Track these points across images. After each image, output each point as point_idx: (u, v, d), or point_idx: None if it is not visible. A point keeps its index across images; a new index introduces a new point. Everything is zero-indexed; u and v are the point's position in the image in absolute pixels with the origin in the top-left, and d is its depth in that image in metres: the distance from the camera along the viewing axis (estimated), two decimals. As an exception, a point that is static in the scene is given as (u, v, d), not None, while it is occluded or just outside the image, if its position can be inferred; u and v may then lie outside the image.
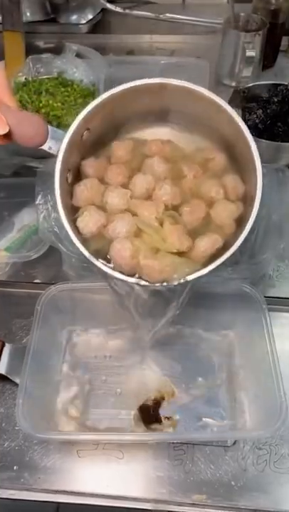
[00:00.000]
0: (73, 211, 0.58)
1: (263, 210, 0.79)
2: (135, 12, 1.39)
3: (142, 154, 0.61)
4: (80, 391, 0.67)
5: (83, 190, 0.58)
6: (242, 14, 1.15)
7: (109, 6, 1.38)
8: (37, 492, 0.59)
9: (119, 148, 0.61)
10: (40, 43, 1.31)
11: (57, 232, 0.74)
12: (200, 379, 0.69)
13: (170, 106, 0.60)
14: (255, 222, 0.78)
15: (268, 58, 1.21)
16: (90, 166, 0.60)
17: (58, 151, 0.56)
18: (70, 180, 0.59)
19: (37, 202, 0.75)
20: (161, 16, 1.37)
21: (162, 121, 0.62)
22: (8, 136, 0.55)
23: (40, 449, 0.62)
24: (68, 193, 0.58)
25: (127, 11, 1.39)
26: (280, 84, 0.99)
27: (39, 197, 0.75)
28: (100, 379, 0.69)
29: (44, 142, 0.59)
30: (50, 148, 0.60)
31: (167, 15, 1.36)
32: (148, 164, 0.60)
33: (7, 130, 0.54)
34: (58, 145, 0.57)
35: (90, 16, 1.36)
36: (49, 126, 0.60)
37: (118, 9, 1.38)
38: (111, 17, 1.41)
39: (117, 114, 0.60)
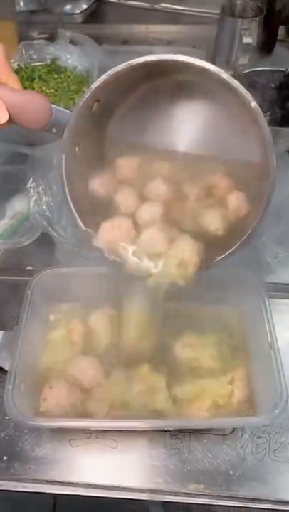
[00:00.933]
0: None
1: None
2: (130, 2, 1.37)
3: (147, 173, 0.60)
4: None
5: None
6: (238, 1, 1.13)
7: (103, -5, 1.37)
8: (27, 482, 0.57)
9: (124, 167, 0.60)
10: (34, 33, 1.29)
11: (48, 216, 0.73)
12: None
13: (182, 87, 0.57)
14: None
15: (265, 47, 1.20)
16: (98, 184, 0.59)
17: (63, 132, 0.53)
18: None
19: (28, 186, 0.73)
20: (156, 6, 1.35)
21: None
22: (9, 120, 0.50)
23: (31, 438, 0.60)
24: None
25: (122, 0, 1.37)
26: (277, 71, 0.98)
27: (30, 181, 0.74)
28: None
29: (48, 124, 0.53)
30: (54, 130, 0.54)
31: (162, 5, 1.35)
32: (152, 186, 0.59)
33: (7, 118, 0.49)
34: (63, 126, 0.53)
35: (85, 6, 1.34)
36: (53, 106, 0.53)
37: (113, -1, 1.37)
38: (106, 7, 1.39)
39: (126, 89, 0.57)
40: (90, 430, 0.60)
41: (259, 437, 0.59)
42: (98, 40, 1.20)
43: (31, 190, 0.73)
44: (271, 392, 0.54)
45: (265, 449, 0.59)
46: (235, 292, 0.66)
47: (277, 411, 0.52)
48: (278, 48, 1.24)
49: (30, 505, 0.81)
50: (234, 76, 0.97)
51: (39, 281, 0.64)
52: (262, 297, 0.63)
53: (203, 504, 0.55)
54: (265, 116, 0.64)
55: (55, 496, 0.62)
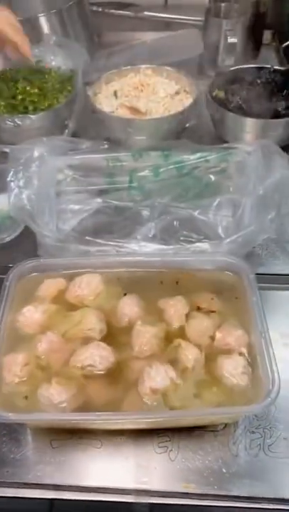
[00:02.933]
0: None
1: (250, 185, 0.76)
2: (116, 11, 1.38)
3: None
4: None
5: None
6: (223, 4, 1.14)
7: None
8: (4, 487, 0.53)
9: None
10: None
11: (29, 209, 0.70)
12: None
13: None
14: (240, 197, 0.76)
15: (250, 51, 1.20)
16: None
17: None
18: None
19: (8, 179, 0.71)
20: (140, 14, 1.36)
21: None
22: None
23: (8, 440, 0.56)
24: None
25: (106, 10, 1.38)
26: (263, 68, 0.98)
27: (10, 174, 0.72)
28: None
29: None
30: None
31: (146, 13, 1.35)
32: None
33: None
34: None
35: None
36: None
37: (98, 8, 1.37)
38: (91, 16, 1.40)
39: None
40: (72, 430, 0.56)
41: (253, 432, 0.56)
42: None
43: (12, 184, 0.71)
44: (263, 380, 0.51)
45: (260, 444, 0.55)
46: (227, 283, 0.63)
47: (268, 400, 0.49)
48: (264, 52, 1.24)
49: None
50: (220, 73, 0.98)
51: (17, 272, 0.61)
52: (253, 288, 0.60)
53: (193, 505, 0.51)
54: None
55: (52, 502, 0.57)
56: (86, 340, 0.56)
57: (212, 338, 0.57)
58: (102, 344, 0.55)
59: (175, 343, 0.56)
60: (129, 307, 0.59)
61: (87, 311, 0.58)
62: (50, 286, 0.62)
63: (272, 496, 0.51)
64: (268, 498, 0.51)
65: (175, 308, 0.59)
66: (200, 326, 0.58)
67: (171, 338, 0.57)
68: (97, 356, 0.54)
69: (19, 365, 0.53)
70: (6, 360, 0.54)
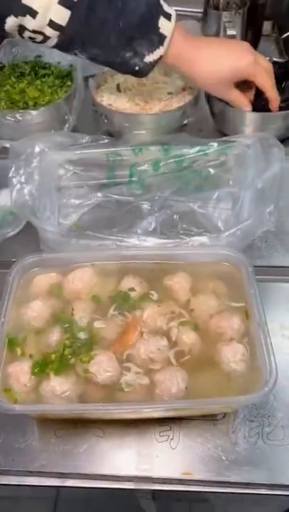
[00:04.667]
0: None
1: (248, 178, 0.76)
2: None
3: None
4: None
5: None
6: (222, -4, 1.13)
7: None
8: (10, 476, 0.55)
9: None
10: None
11: (31, 205, 0.71)
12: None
13: None
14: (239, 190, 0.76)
15: (250, 42, 1.20)
16: None
17: None
18: None
19: (10, 175, 0.72)
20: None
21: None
22: None
23: (13, 430, 0.57)
24: None
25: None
26: (263, 60, 0.97)
27: (12, 170, 0.72)
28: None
29: None
30: None
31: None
32: None
33: None
34: None
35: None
36: None
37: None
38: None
39: None
40: (76, 419, 0.58)
41: (252, 421, 0.57)
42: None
43: (13, 180, 0.71)
44: (261, 370, 0.52)
45: (258, 432, 0.56)
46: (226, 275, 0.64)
47: (265, 389, 0.50)
48: (264, 43, 1.24)
49: (32, 500, 0.78)
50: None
51: (20, 267, 0.62)
52: (251, 280, 0.61)
53: (194, 491, 0.53)
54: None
55: (58, 489, 0.59)
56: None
57: (213, 320, 0.58)
58: (113, 358, 0.55)
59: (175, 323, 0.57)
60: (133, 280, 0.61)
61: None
62: (42, 280, 0.63)
63: (270, 482, 0.53)
64: (266, 484, 0.53)
65: (179, 284, 0.61)
66: (205, 304, 0.59)
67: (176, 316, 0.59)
68: (102, 370, 0.54)
69: (27, 374, 0.54)
70: (13, 370, 0.54)
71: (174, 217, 0.77)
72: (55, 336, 0.57)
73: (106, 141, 0.83)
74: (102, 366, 0.53)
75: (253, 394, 0.50)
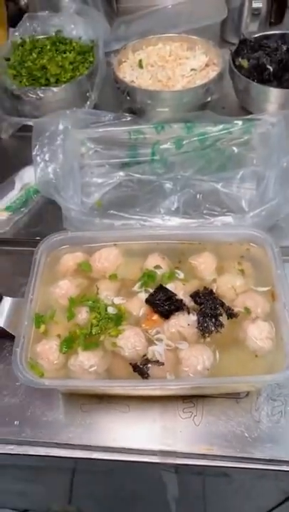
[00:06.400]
0: None
1: (274, 157, 0.75)
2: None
3: None
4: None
5: None
6: None
7: None
8: (37, 446, 0.57)
9: None
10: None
11: (55, 183, 0.71)
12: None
13: None
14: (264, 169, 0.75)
15: (275, 15, 1.16)
16: None
17: None
18: None
19: (34, 153, 0.72)
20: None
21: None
22: None
23: (41, 404, 0.59)
24: None
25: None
26: (287, 34, 0.95)
27: (36, 148, 0.72)
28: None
29: None
30: None
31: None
32: None
33: None
34: None
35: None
36: None
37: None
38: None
39: None
40: (101, 395, 0.59)
41: (274, 400, 0.58)
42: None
43: (37, 158, 0.71)
44: (285, 350, 0.52)
45: (281, 411, 0.57)
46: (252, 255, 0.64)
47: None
48: (289, 16, 1.20)
49: (50, 472, 0.81)
50: (243, 41, 0.94)
51: (46, 246, 0.63)
52: (278, 261, 0.60)
53: (216, 466, 0.54)
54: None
55: (76, 461, 0.61)
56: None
57: (238, 300, 0.59)
58: (141, 333, 0.56)
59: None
60: (158, 258, 0.61)
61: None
62: (69, 260, 0.63)
63: (292, 459, 0.54)
64: (288, 461, 0.53)
65: (205, 264, 0.61)
66: (231, 283, 0.59)
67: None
68: (130, 344, 0.55)
69: (56, 353, 0.55)
70: (42, 349, 0.55)
71: (197, 196, 0.77)
72: (83, 315, 0.57)
73: (128, 118, 0.82)
74: (130, 341, 0.54)
75: (278, 373, 0.51)
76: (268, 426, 0.56)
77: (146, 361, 0.54)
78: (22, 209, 0.80)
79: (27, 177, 0.84)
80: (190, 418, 0.57)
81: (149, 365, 0.53)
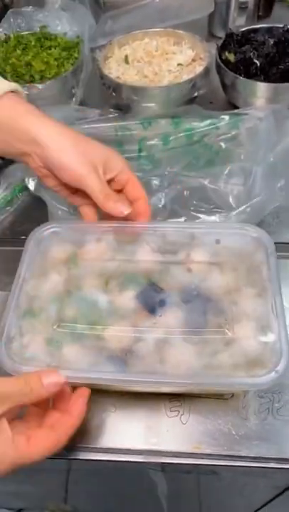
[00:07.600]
0: None
1: (261, 152, 0.74)
2: None
3: None
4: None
5: None
6: None
7: None
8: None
9: None
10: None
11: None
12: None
13: None
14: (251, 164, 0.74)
15: (263, 8, 1.15)
16: None
17: None
18: None
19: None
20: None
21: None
22: None
23: (27, 404, 0.58)
24: None
25: None
26: (275, 27, 0.94)
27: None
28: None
29: None
30: None
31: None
32: None
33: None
34: None
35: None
36: None
37: None
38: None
39: None
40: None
41: (262, 397, 0.57)
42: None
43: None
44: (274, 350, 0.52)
45: (268, 408, 0.57)
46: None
47: (278, 369, 0.49)
48: (277, 10, 1.19)
49: (44, 472, 0.80)
50: (230, 35, 0.94)
51: (34, 236, 0.62)
52: (269, 257, 0.59)
53: (204, 465, 0.54)
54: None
55: (70, 462, 0.61)
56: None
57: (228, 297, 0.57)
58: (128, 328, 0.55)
59: None
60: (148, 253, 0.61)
61: None
62: (59, 252, 0.62)
63: (279, 456, 0.53)
64: (275, 458, 0.53)
65: (195, 260, 0.60)
66: (221, 280, 0.59)
67: None
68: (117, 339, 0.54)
69: (42, 346, 0.54)
70: (28, 342, 0.54)
71: (185, 193, 0.76)
72: (70, 308, 0.57)
73: (115, 115, 0.81)
74: (117, 335, 0.54)
75: (265, 376, 0.49)
76: (255, 423, 0.56)
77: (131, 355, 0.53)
78: (7, 208, 0.80)
79: (13, 176, 0.83)
80: (177, 417, 0.57)
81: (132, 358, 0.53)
